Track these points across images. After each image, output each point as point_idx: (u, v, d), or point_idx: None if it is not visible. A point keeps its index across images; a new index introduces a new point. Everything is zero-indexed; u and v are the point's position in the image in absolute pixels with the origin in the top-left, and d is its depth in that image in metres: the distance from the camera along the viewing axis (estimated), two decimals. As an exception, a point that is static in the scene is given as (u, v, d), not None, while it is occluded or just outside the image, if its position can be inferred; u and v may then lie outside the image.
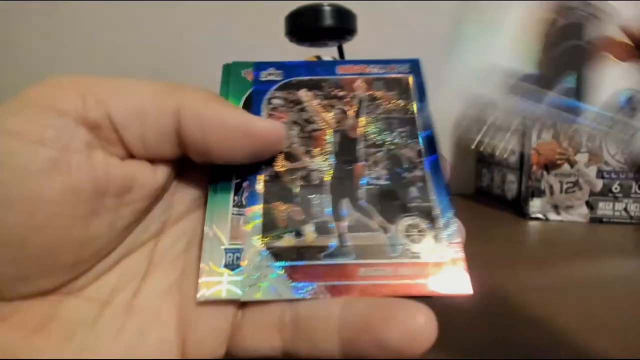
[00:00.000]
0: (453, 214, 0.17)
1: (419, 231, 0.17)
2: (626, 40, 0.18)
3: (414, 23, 0.79)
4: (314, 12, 0.34)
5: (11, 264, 0.13)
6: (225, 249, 0.16)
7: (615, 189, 0.56)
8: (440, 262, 0.16)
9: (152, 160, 0.16)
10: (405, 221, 0.17)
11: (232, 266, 0.16)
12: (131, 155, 0.16)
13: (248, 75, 0.20)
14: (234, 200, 0.17)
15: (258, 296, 0.15)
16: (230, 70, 0.20)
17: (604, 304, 0.31)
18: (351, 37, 0.38)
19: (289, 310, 0.15)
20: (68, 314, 0.14)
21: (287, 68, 0.21)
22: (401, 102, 0.20)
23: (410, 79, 0.21)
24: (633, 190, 0.56)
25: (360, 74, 0.21)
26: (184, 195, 0.18)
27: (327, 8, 0.34)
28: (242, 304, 0.16)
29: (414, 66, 0.22)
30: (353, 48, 0.39)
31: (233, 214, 0.17)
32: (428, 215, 0.17)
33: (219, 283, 0.16)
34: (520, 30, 0.18)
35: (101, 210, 0.14)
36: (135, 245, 0.16)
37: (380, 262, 0.16)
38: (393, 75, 0.21)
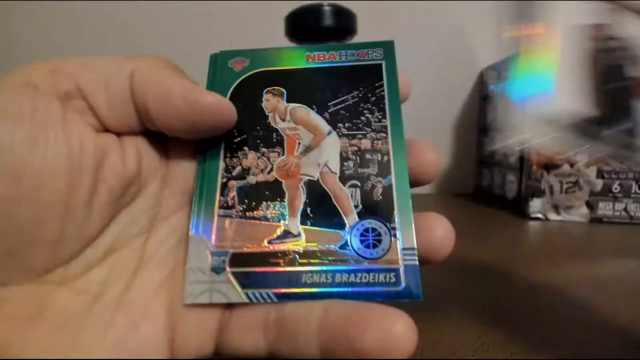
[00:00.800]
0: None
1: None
2: None
3: (414, 23, 0.79)
4: (314, 12, 0.34)
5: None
6: (212, 252, 0.16)
7: (615, 189, 0.56)
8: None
9: (121, 135, 0.17)
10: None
11: (218, 269, 0.16)
12: (104, 128, 0.16)
13: (235, 65, 0.19)
14: (219, 201, 0.17)
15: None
16: (217, 60, 0.19)
17: (604, 304, 0.31)
18: (351, 37, 0.38)
19: (274, 312, 0.15)
20: (59, 305, 0.14)
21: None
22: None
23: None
24: (633, 190, 0.56)
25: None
26: (174, 189, 0.18)
27: (327, 8, 0.34)
28: (230, 304, 0.16)
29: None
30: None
31: (219, 215, 0.17)
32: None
33: (205, 287, 0.15)
34: (573, 72, 0.19)
35: (79, 185, 0.15)
36: (125, 239, 0.16)
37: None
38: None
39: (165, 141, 0.18)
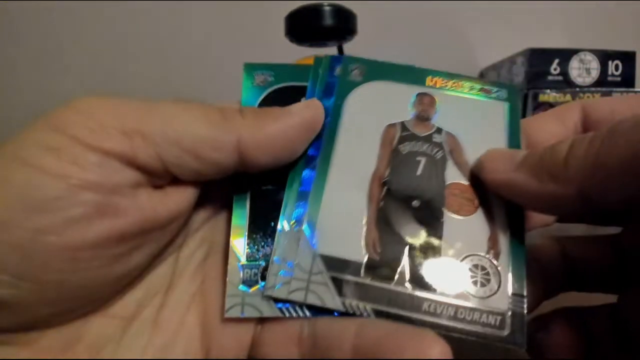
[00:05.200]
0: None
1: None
2: None
3: (415, 23, 0.79)
4: (314, 12, 0.34)
5: (48, 305, 0.13)
6: (242, 266, 0.16)
7: (615, 189, 0.56)
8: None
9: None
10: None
11: (250, 282, 0.16)
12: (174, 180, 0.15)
13: (258, 79, 0.19)
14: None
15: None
16: (251, 70, 0.19)
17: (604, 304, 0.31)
18: (351, 37, 0.38)
19: (307, 327, 0.15)
20: (94, 333, 0.14)
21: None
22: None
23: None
24: (633, 191, 0.56)
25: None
26: (203, 203, 0.17)
27: (327, 8, 0.34)
28: (262, 318, 0.16)
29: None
30: (353, 48, 0.39)
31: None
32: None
33: (238, 301, 0.15)
34: None
35: (145, 244, 0.14)
36: (161, 259, 0.16)
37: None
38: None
39: None
